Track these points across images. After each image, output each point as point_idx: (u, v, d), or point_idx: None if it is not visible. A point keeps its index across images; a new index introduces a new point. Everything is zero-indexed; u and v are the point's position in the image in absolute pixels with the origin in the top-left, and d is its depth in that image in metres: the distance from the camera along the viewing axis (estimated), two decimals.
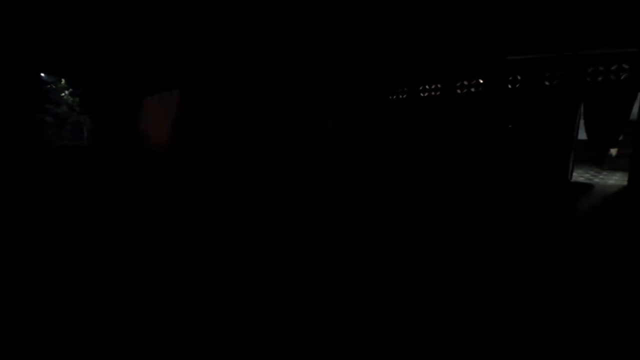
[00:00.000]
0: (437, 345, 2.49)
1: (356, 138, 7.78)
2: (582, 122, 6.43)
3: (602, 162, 9.12)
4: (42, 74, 12.28)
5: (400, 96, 7.74)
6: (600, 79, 5.17)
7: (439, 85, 7.00)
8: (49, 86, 12.87)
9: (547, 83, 5.78)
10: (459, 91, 6.93)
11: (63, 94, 13.59)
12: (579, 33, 5.35)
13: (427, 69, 7.15)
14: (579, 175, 8.03)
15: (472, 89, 6.75)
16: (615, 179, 7.64)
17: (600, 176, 8.04)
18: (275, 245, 4.28)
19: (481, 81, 6.56)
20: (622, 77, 4.97)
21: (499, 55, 6.36)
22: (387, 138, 7.73)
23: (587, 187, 6.98)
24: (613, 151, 8.82)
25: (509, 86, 6.27)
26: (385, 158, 7.68)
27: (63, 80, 13.30)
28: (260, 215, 5.56)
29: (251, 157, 8.66)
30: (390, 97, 8.06)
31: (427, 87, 7.22)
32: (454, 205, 6.18)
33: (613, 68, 5.04)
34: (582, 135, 7.21)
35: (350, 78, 7.97)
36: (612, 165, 8.83)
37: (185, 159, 10.16)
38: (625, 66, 4.95)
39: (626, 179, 6.21)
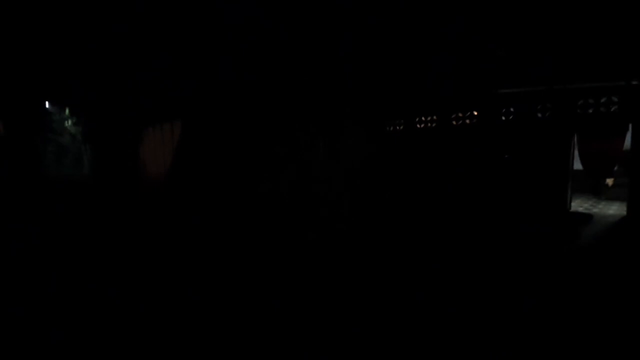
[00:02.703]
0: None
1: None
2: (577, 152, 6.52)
3: (599, 192, 9.13)
4: (47, 103, 12.56)
5: (398, 127, 7.88)
6: (590, 111, 5.29)
7: (434, 117, 7.14)
8: (52, 116, 13.13)
9: (539, 115, 5.91)
10: (454, 123, 7.07)
11: (66, 124, 13.83)
12: (568, 67, 5.54)
13: (423, 102, 7.33)
14: (578, 205, 8.01)
15: (467, 121, 6.89)
16: (614, 209, 7.61)
17: (599, 206, 8.03)
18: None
19: (475, 113, 6.70)
20: (612, 109, 5.08)
21: (491, 88, 6.55)
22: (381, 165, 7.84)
23: (586, 217, 6.94)
24: (609, 181, 8.86)
25: (503, 118, 6.40)
26: (377, 183, 7.74)
27: (67, 110, 13.59)
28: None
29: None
30: (388, 128, 8.21)
31: (423, 119, 7.37)
32: (456, 237, 6.12)
33: (603, 100, 5.16)
34: (578, 165, 7.28)
35: (349, 107, 8.15)
36: (610, 195, 8.83)
37: (186, 185, 10.21)
38: (614, 99, 5.07)
39: (625, 208, 6.20)
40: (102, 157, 13.74)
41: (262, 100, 8.26)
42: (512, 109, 6.24)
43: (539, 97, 5.82)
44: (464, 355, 2.67)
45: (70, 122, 13.98)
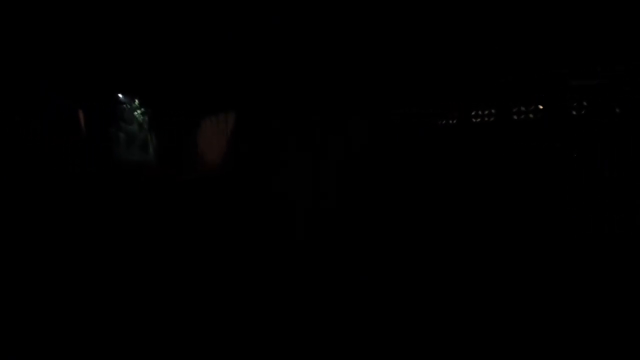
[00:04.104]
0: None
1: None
2: None
3: None
4: (120, 95, 13.77)
5: (451, 121, 7.46)
6: None
7: (492, 111, 6.64)
8: (124, 106, 14.38)
9: (617, 110, 5.23)
10: (515, 117, 6.52)
11: (135, 113, 15.06)
12: None
13: (479, 94, 6.85)
14: None
15: (531, 115, 6.31)
16: None
17: None
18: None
19: (541, 107, 6.11)
20: None
21: (562, 79, 5.91)
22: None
23: None
24: None
25: (573, 112, 5.77)
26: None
27: (137, 101, 14.78)
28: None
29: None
30: (440, 122, 7.81)
31: (480, 112, 6.89)
32: (513, 241, 5.70)
33: None
34: None
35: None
36: None
37: (237, 173, 10.67)
38: None
39: None
40: (164, 145, 14.83)
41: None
42: (584, 103, 5.60)
43: (617, 89, 5.14)
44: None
45: (138, 112, 15.25)
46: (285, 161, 7.77)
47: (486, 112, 6.86)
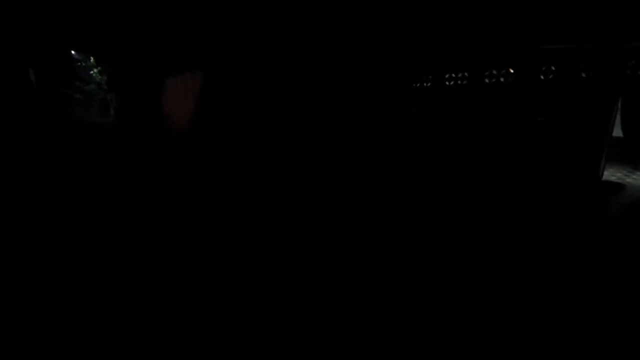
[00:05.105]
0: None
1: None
2: (619, 118, 6.06)
3: (637, 161, 8.62)
4: (73, 52, 12.59)
5: (425, 84, 7.50)
6: None
7: (465, 74, 6.73)
8: (78, 64, 13.22)
9: (583, 75, 5.45)
10: (487, 80, 6.64)
11: (92, 72, 13.91)
12: (622, 23, 4.98)
13: (453, 57, 6.87)
14: (611, 174, 7.64)
15: (502, 79, 6.45)
16: None
17: (634, 176, 7.62)
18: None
19: (511, 71, 6.25)
20: None
21: (533, 43, 6.02)
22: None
23: (618, 187, 6.64)
24: None
25: (542, 77, 5.95)
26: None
27: (92, 59, 13.60)
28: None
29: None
30: (415, 85, 7.82)
31: (453, 75, 6.95)
32: (471, 204, 5.97)
33: None
34: (617, 132, 6.81)
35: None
36: None
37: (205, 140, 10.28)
38: None
39: None
40: (126, 106, 13.94)
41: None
42: (552, 67, 5.78)
43: (585, 54, 5.33)
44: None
45: (95, 70, 14.06)
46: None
47: (460, 75, 6.94)
